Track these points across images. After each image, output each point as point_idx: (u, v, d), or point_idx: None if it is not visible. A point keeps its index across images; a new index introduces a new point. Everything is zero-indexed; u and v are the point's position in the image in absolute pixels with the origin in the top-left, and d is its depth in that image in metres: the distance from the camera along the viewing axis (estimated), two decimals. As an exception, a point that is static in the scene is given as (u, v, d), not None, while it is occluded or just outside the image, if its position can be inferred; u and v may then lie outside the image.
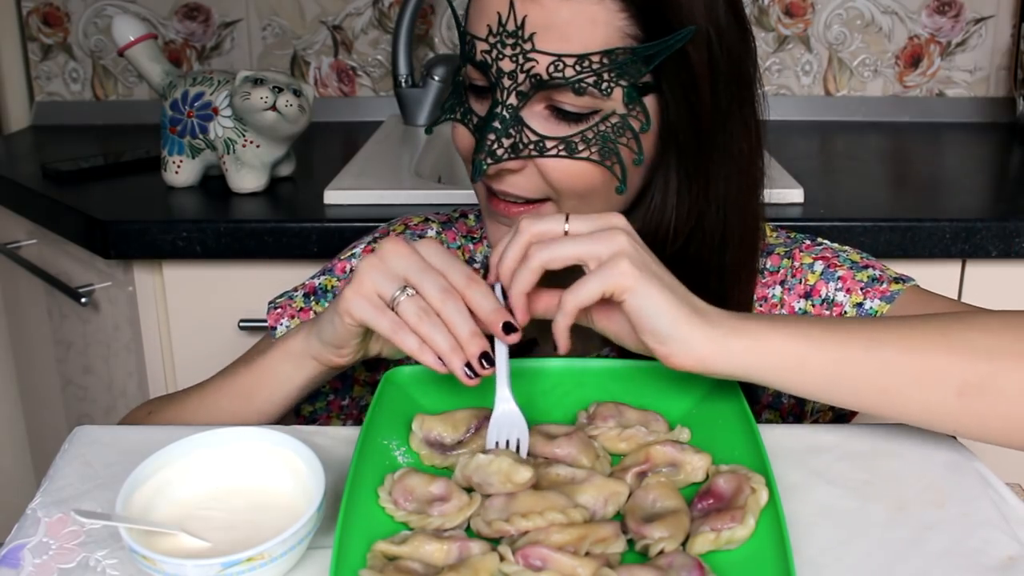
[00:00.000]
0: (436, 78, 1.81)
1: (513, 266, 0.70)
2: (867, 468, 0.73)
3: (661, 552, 0.62)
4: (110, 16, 1.92)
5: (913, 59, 1.94)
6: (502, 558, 0.61)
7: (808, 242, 0.93)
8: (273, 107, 1.37)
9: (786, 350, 0.69)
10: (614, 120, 0.77)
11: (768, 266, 0.92)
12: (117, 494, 0.63)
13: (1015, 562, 0.63)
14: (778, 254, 0.92)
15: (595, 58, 0.74)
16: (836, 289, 0.88)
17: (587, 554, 0.62)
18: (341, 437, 0.78)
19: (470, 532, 0.65)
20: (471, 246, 0.96)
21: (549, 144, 0.78)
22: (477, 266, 0.95)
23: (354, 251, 0.96)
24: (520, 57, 0.75)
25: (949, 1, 1.91)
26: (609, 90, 0.76)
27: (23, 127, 2.00)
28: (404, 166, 1.59)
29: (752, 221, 0.87)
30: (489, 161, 0.78)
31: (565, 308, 0.68)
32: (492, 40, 0.76)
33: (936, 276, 1.34)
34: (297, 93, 1.39)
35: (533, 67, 0.75)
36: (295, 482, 0.67)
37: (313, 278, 0.96)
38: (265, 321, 0.94)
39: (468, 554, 0.62)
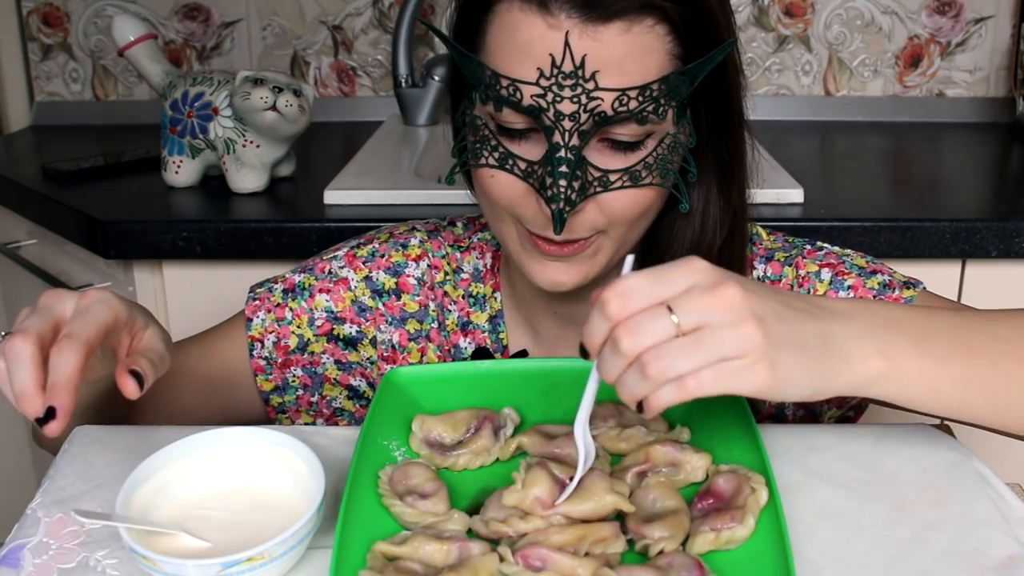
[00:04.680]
0: (436, 78, 1.81)
1: (626, 379, 0.60)
2: (867, 468, 0.73)
3: (661, 552, 0.62)
4: (110, 16, 1.92)
5: (913, 59, 1.94)
6: (502, 559, 0.61)
7: (809, 247, 0.92)
8: (273, 107, 1.37)
9: (918, 375, 0.66)
10: (668, 141, 0.77)
11: (769, 273, 0.91)
12: (117, 494, 0.63)
13: (1015, 562, 0.63)
14: (778, 260, 0.92)
15: (654, 86, 0.74)
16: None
17: (587, 554, 0.62)
18: (341, 437, 0.78)
19: (470, 532, 0.65)
20: (458, 255, 0.95)
21: (613, 177, 0.76)
22: (466, 276, 0.95)
23: (336, 253, 0.95)
24: (583, 97, 0.73)
25: (949, 1, 1.90)
26: (664, 114, 0.75)
27: (23, 127, 2.00)
28: (404, 166, 1.59)
29: (745, 209, 0.88)
30: (567, 209, 0.75)
31: (686, 394, 0.58)
32: (545, 83, 0.73)
33: (936, 276, 1.34)
34: (297, 93, 1.39)
35: (598, 106, 0.73)
36: (295, 482, 0.67)
37: (294, 272, 0.95)
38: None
39: (468, 555, 0.62)
